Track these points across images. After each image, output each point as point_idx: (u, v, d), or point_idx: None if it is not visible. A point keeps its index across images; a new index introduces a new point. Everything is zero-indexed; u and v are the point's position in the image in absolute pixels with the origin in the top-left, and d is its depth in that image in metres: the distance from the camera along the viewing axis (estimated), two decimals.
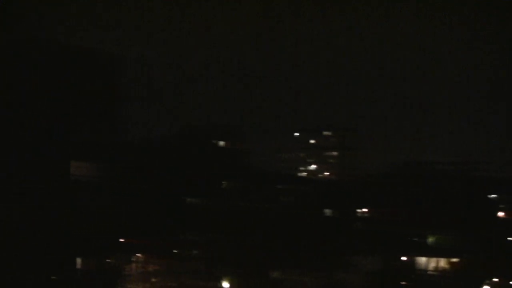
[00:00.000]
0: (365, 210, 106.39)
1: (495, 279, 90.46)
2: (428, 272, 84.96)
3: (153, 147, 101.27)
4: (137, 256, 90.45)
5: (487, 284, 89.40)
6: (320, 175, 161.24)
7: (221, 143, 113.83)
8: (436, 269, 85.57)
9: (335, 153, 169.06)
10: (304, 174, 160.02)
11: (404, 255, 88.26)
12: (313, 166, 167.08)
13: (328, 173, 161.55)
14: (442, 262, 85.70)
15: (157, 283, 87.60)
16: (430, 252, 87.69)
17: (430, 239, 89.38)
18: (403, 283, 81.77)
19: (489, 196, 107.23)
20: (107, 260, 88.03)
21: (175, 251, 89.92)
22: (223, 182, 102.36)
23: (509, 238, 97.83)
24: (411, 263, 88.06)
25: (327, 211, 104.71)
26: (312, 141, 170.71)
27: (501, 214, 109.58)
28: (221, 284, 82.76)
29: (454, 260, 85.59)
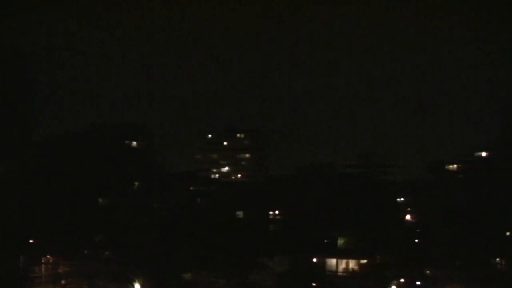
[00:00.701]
0: (277, 212, 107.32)
1: (402, 280, 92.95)
2: (338, 273, 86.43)
3: (62, 145, 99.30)
4: (47, 257, 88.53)
5: (395, 285, 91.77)
6: (232, 177, 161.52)
7: (133, 143, 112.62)
8: (346, 270, 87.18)
9: (248, 155, 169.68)
10: (217, 175, 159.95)
11: (314, 257, 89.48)
12: (226, 168, 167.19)
13: (240, 175, 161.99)
14: (352, 263, 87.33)
15: (68, 285, 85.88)
16: (340, 254, 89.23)
17: (340, 241, 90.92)
18: (314, 284, 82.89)
19: (397, 199, 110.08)
20: (15, 261, 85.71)
21: (86, 251, 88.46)
22: (135, 182, 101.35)
23: (415, 240, 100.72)
24: (321, 264, 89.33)
25: (239, 213, 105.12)
26: (225, 143, 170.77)
27: (408, 217, 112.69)
28: (133, 286, 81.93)
29: (363, 261, 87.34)
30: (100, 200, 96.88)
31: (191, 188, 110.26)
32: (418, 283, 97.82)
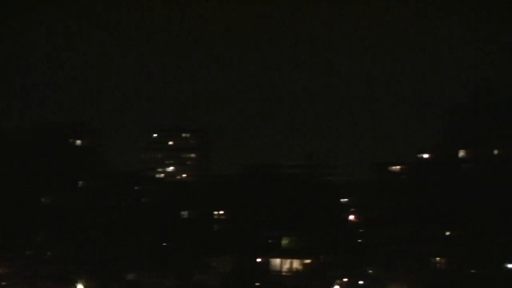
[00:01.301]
0: (221, 211, 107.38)
1: (345, 279, 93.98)
2: (282, 273, 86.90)
3: (3, 143, 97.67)
4: None
5: (338, 284, 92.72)
6: (177, 177, 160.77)
7: (77, 141, 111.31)
8: (290, 270, 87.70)
9: (193, 155, 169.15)
10: (162, 175, 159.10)
11: (258, 256, 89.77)
12: (171, 167, 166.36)
13: (185, 175, 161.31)
14: (295, 263, 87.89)
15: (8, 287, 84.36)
16: (284, 254, 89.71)
17: (284, 241, 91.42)
18: (258, 283, 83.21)
19: (340, 199, 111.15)
20: None
21: (28, 252, 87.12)
22: (79, 182, 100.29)
23: (358, 240, 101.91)
24: (265, 264, 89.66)
25: (184, 213, 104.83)
26: (170, 142, 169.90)
27: (351, 217, 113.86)
28: (75, 287, 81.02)
29: (307, 261, 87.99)
30: (42, 199, 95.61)
31: (136, 187, 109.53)
32: (360, 282, 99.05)
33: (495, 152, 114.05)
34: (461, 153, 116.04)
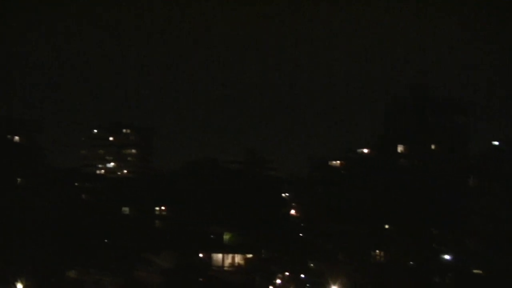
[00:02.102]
0: (162, 207, 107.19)
1: (287, 273, 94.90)
2: (224, 268, 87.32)
3: None
4: None
5: (279, 278, 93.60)
6: (118, 173, 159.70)
7: (16, 138, 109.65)
8: (232, 265, 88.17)
9: (133, 151, 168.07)
10: (102, 171, 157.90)
11: (200, 252, 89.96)
12: (111, 164, 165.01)
13: (126, 171, 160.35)
14: (237, 258, 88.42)
15: None
16: (226, 249, 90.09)
17: (226, 236, 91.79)
18: (200, 279, 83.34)
19: (281, 194, 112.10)
20: None
21: None
22: (17, 179, 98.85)
23: (300, 235, 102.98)
24: (207, 259, 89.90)
25: (125, 209, 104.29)
26: (110, 138, 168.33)
27: (292, 212, 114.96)
28: (15, 287, 79.70)
29: (249, 256, 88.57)
30: None
31: (76, 184, 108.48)
32: (302, 276, 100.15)
33: (432, 147, 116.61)
34: (400, 148, 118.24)
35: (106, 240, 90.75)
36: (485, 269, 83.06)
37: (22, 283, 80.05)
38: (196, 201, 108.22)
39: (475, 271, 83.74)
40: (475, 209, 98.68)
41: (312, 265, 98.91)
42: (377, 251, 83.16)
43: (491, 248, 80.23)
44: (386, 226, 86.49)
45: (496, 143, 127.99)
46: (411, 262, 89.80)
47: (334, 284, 79.07)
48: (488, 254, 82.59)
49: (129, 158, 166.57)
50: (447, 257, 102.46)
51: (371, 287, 79.90)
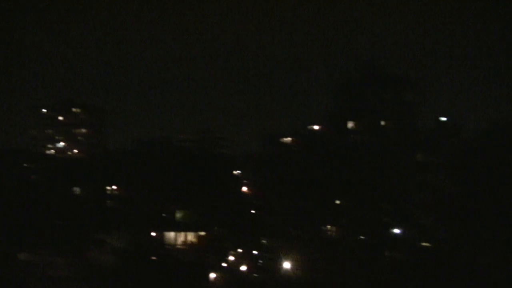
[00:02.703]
0: (114, 187, 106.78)
1: (240, 250, 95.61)
2: (177, 246, 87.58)
3: None
4: None
5: (232, 255, 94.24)
6: (68, 153, 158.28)
7: None
8: (185, 243, 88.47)
9: (84, 130, 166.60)
10: (52, 151, 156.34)
11: (153, 231, 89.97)
12: (61, 144, 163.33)
13: (76, 151, 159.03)
14: (190, 236, 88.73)
15: None
16: (178, 227, 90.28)
17: (178, 215, 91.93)
18: (153, 258, 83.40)
19: (233, 172, 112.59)
20: None
21: None
22: None
23: (252, 212, 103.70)
24: (160, 238, 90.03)
25: (76, 189, 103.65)
26: (60, 118, 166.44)
27: (244, 189, 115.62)
28: None
29: (201, 233, 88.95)
30: None
31: (25, 165, 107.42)
32: (255, 252, 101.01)
33: (382, 123, 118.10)
34: (350, 125, 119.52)
35: (57, 221, 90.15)
36: (433, 242, 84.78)
37: None
38: (148, 180, 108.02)
39: (423, 244, 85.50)
40: (424, 184, 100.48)
41: (264, 241, 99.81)
42: (329, 226, 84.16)
43: (438, 222, 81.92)
44: (337, 202, 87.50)
45: (444, 119, 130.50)
46: (362, 237, 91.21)
47: (287, 260, 80.00)
48: (436, 227, 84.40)
49: (79, 138, 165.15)
50: (397, 231, 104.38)
51: (323, 262, 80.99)
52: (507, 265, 70.74)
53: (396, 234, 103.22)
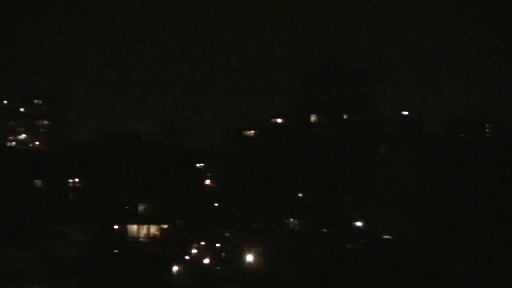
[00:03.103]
0: (76, 180, 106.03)
1: (203, 243, 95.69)
2: (140, 240, 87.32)
3: None
4: None
5: (195, 248, 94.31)
6: (30, 145, 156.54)
7: None
8: (148, 236, 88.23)
9: (46, 122, 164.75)
10: (13, 143, 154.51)
11: (116, 224, 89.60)
12: (23, 136, 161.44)
13: (38, 143, 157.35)
14: (153, 229, 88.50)
15: None
16: (141, 220, 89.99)
17: (141, 207, 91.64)
18: (116, 251, 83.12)
19: (196, 165, 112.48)
20: None
21: None
22: None
23: (215, 205, 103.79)
24: (123, 231, 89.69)
25: (38, 182, 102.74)
26: (21, 109, 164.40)
27: (207, 182, 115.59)
28: None
29: (164, 226, 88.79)
30: None
31: None
32: (218, 245, 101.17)
33: (345, 117, 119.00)
34: (313, 118, 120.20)
35: (19, 214, 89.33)
36: (394, 234, 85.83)
37: None
38: (110, 172, 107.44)
39: (385, 236, 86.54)
40: (386, 177, 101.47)
41: (227, 234, 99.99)
42: (292, 219, 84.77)
43: (399, 215, 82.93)
44: (300, 195, 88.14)
45: (406, 113, 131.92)
46: (324, 230, 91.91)
47: (250, 252, 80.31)
48: (397, 220, 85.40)
49: (41, 130, 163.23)
50: (359, 224, 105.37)
51: (286, 255, 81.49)
52: (465, 256, 72.05)
53: (358, 227, 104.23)
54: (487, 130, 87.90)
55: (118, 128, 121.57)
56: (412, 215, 79.54)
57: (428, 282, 67.14)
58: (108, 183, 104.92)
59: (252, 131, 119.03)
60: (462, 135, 78.38)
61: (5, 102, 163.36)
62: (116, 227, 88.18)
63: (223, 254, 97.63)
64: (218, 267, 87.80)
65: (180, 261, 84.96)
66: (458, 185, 75.79)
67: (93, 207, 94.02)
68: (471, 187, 75.09)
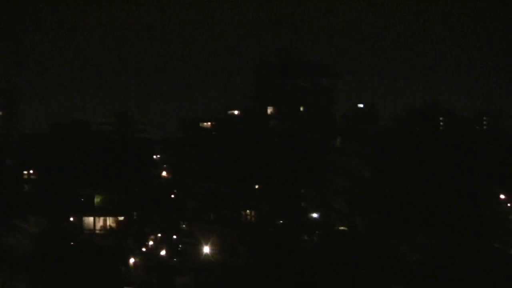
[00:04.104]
0: (30, 171, 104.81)
1: (159, 235, 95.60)
2: (96, 232, 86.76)
3: None
4: None
5: (152, 240, 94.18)
6: None
7: None
8: (104, 228, 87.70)
9: None
10: None
11: (71, 216, 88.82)
12: None
13: None
14: (109, 221, 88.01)
15: None
16: (97, 212, 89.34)
17: (96, 199, 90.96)
18: (71, 243, 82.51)
19: (152, 156, 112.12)
20: None
21: None
22: None
23: (172, 196, 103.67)
24: (78, 223, 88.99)
25: None
26: None
27: (164, 173, 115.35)
28: None
29: (120, 218, 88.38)
30: None
31: None
32: (174, 237, 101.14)
33: (301, 109, 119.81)
34: (270, 110, 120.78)
35: None
36: (349, 225, 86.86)
37: None
38: (65, 163, 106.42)
39: (340, 228, 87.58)
40: (341, 169, 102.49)
41: (184, 226, 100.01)
42: (248, 210, 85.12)
43: (354, 206, 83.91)
44: (256, 186, 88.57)
45: (361, 105, 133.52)
46: (281, 221, 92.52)
47: (206, 244, 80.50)
48: (352, 211, 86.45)
49: None
50: (314, 215, 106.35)
51: (242, 246, 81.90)
52: (419, 248, 73.30)
53: (314, 219, 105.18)
54: (441, 123, 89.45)
55: (71, 119, 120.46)
56: (365, 206, 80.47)
57: (382, 273, 68.14)
58: (63, 174, 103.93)
59: (209, 123, 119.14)
60: (415, 128, 79.47)
61: None
62: (71, 219, 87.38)
63: (180, 246, 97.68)
64: (175, 259, 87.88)
65: (136, 253, 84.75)
66: (411, 177, 76.91)
67: (48, 199, 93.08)
68: (424, 180, 76.28)
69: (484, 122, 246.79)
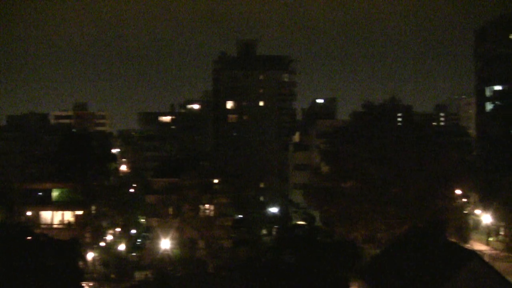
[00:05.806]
0: None
1: (118, 229, 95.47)
2: (54, 225, 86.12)
3: None
4: None
5: (111, 234, 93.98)
6: None
7: None
8: (62, 222, 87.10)
9: None
10: None
11: (28, 210, 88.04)
12: None
13: None
14: (67, 215, 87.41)
15: None
16: (55, 206, 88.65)
17: (54, 193, 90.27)
18: (28, 237, 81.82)
19: (111, 150, 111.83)
20: None
21: None
22: None
23: (130, 190, 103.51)
24: (35, 217, 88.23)
25: None
26: None
27: (123, 167, 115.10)
28: None
29: (79, 212, 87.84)
30: None
31: None
32: (133, 231, 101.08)
33: (261, 104, 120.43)
34: (229, 104, 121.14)
35: None
36: (306, 220, 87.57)
37: None
38: (21, 156, 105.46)
39: (299, 222, 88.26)
40: (300, 164, 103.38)
41: (143, 220, 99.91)
42: (207, 205, 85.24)
43: (312, 200, 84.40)
44: (215, 181, 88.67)
45: (321, 101, 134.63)
46: (240, 216, 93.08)
47: (164, 238, 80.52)
48: (309, 206, 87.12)
49: None
50: (273, 210, 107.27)
51: (201, 239, 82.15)
52: (375, 239, 74.27)
53: (272, 213, 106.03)
54: (399, 119, 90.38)
55: (29, 111, 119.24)
56: (324, 200, 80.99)
57: (341, 266, 68.83)
58: (19, 167, 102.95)
59: (168, 117, 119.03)
60: (372, 123, 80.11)
61: None
62: (29, 213, 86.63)
63: (138, 240, 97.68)
64: (133, 254, 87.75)
65: (95, 247, 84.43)
66: (368, 171, 77.59)
67: (5, 192, 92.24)
68: (380, 173, 77.05)
69: (441, 118, 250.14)
